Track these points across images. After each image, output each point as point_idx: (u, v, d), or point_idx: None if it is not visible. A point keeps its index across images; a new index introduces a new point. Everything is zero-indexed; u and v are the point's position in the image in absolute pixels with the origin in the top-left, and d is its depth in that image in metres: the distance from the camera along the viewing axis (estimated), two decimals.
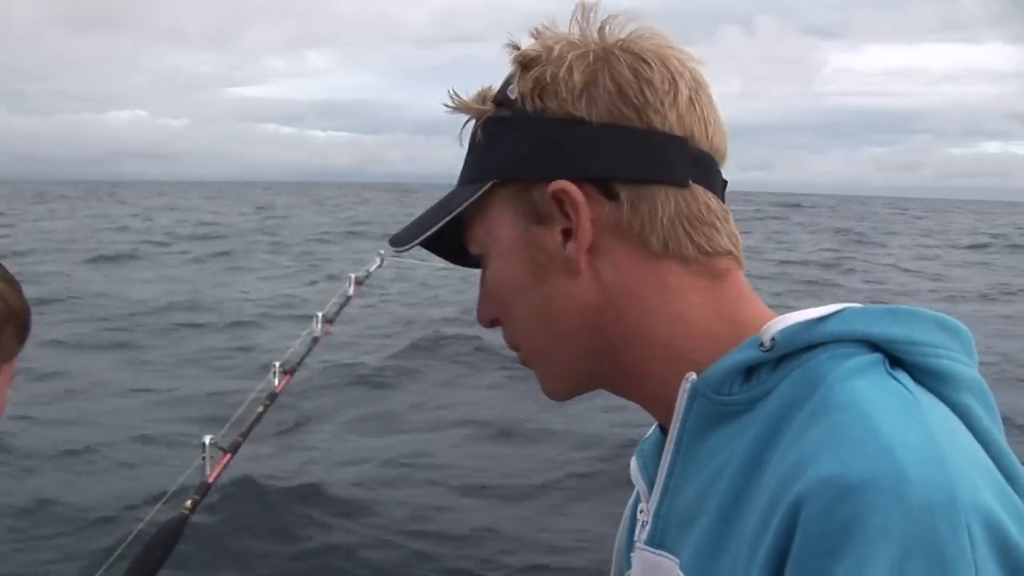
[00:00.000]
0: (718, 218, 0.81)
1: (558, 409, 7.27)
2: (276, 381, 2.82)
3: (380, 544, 5.20)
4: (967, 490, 0.62)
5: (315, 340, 3.06)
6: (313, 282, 16.11)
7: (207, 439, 2.56)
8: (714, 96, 0.83)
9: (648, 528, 0.82)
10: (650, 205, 0.79)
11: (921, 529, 0.60)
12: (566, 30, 0.83)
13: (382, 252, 3.56)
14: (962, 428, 0.70)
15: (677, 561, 0.78)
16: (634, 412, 0.89)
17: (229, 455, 2.61)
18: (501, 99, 0.83)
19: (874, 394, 0.68)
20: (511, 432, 7.27)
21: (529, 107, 0.81)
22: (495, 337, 0.88)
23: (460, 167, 0.87)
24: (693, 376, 0.78)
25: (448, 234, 0.86)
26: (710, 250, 0.80)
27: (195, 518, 2.46)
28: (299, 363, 2.99)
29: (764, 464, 0.71)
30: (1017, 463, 0.71)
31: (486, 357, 9.32)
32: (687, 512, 0.78)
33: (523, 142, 0.81)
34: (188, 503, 2.45)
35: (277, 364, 2.86)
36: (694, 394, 0.78)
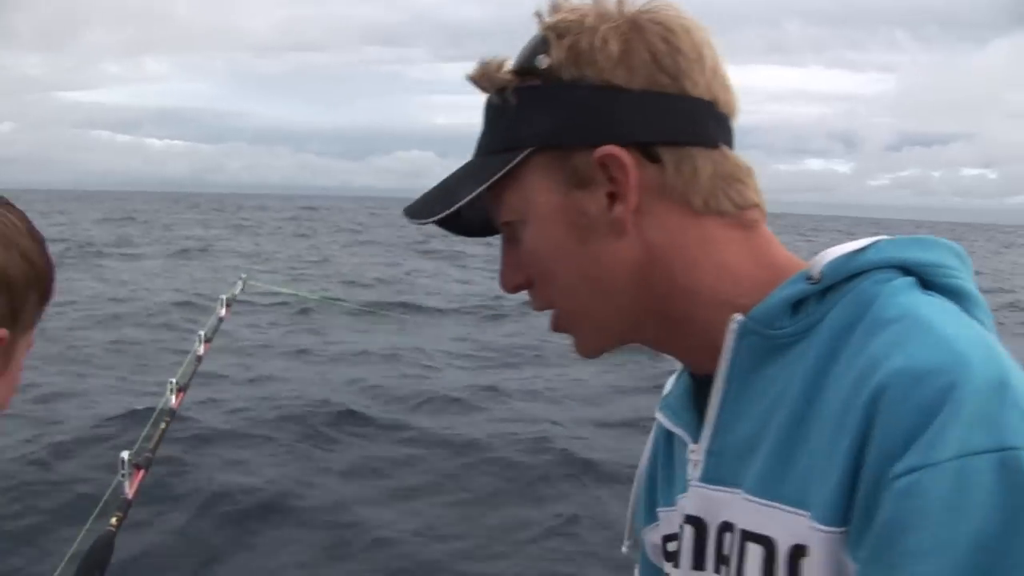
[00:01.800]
0: (745, 174, 0.86)
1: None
2: (173, 399, 2.96)
3: (301, 547, 5.32)
4: (1014, 375, 0.69)
5: (199, 359, 3.29)
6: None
7: (125, 455, 2.65)
8: None
9: (701, 466, 0.86)
10: (691, 166, 0.83)
11: (983, 405, 0.66)
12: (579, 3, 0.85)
13: (243, 276, 3.78)
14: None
15: (738, 491, 0.81)
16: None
17: (143, 471, 2.73)
18: (530, 68, 0.84)
19: (922, 305, 0.75)
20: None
21: (566, 75, 0.82)
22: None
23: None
24: (739, 316, 0.82)
25: (469, 204, 0.85)
26: (742, 204, 0.85)
27: (121, 535, 2.51)
28: (189, 380, 3.16)
29: (824, 383, 0.76)
30: None
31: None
32: (745, 443, 0.82)
33: (561, 110, 0.82)
34: (113, 520, 2.51)
35: (173, 381, 2.97)
36: (742, 333, 0.82)
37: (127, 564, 4.62)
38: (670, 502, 0.95)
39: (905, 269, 0.79)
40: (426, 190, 0.90)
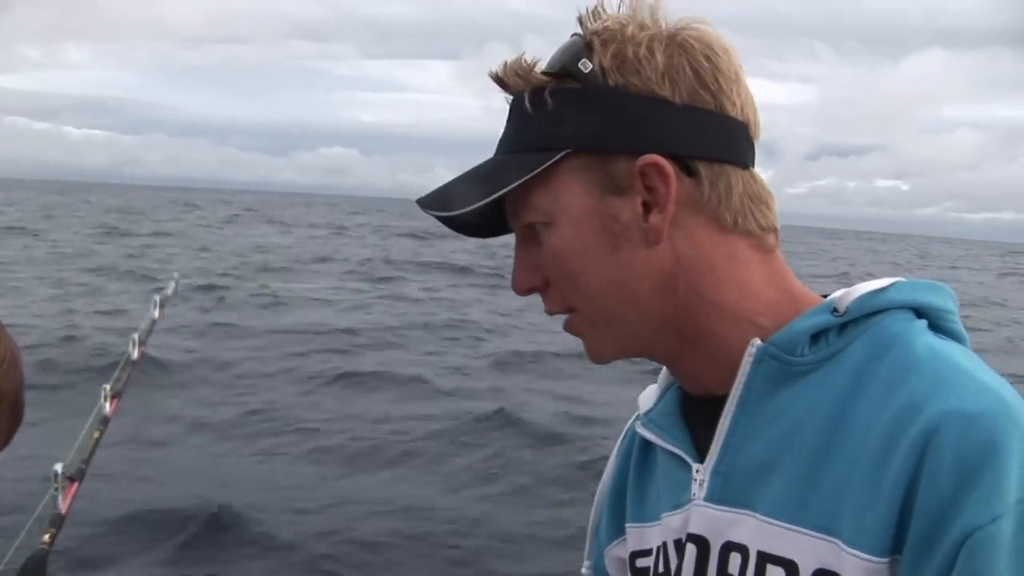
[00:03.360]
0: (769, 197, 0.88)
1: None
2: (107, 405, 2.83)
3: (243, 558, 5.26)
4: None
5: (134, 363, 3.13)
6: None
7: (58, 468, 2.53)
8: None
9: (707, 485, 0.85)
10: (726, 184, 0.84)
11: None
12: (615, 12, 0.85)
13: (176, 275, 3.63)
14: None
15: (749, 513, 0.82)
16: None
17: (77, 483, 2.63)
18: (570, 71, 0.83)
19: (948, 348, 0.80)
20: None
21: (611, 81, 0.82)
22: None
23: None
24: (758, 341, 0.83)
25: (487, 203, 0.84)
26: (766, 226, 0.86)
27: (54, 552, 2.43)
28: (124, 386, 3.04)
29: (850, 413, 0.78)
30: None
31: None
32: (757, 467, 0.82)
33: (604, 115, 0.82)
34: (46, 537, 2.44)
35: (107, 387, 2.83)
36: (760, 357, 0.83)
37: None
38: (643, 518, 0.96)
39: (918, 311, 0.83)
40: (431, 190, 0.88)
